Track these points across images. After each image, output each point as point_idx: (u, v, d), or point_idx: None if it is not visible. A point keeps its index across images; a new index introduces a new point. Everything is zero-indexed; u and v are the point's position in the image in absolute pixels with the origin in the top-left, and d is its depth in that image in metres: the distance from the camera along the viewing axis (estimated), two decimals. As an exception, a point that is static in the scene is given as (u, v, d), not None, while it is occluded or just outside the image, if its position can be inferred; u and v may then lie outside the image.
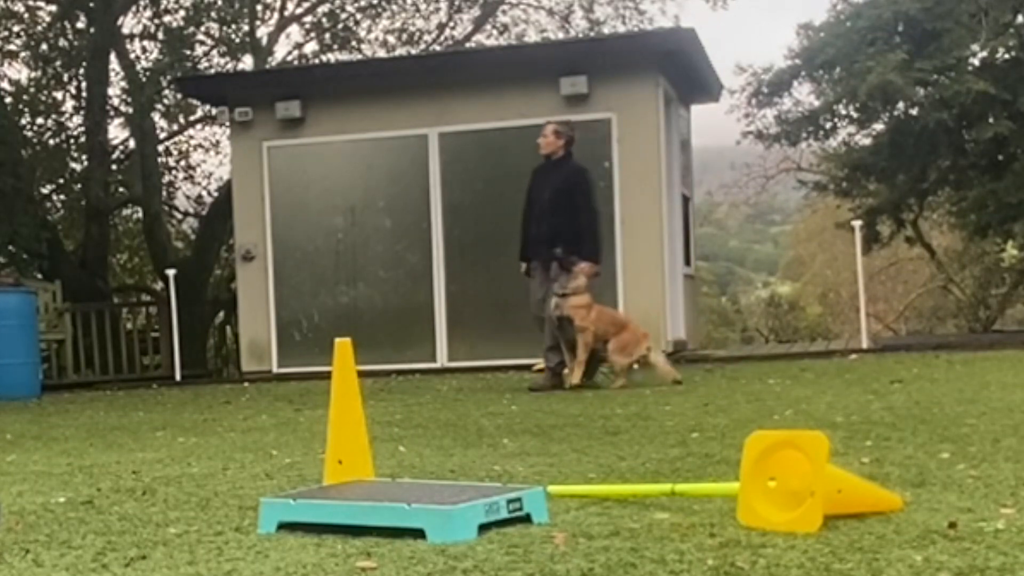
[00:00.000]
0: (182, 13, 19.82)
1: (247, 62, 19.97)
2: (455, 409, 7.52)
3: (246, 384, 11.86)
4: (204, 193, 22.12)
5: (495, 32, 21.62)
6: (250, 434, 6.61)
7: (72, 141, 20.11)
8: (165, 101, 20.29)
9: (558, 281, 8.90)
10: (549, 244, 9.02)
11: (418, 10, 21.40)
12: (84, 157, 19.75)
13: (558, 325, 8.87)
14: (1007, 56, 15.00)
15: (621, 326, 9.04)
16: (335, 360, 3.83)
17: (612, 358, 8.89)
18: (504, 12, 21.74)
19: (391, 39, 21.22)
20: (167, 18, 19.90)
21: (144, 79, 19.39)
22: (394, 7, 21.14)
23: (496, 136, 12.51)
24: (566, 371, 8.95)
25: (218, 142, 21.31)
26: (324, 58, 20.73)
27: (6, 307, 12.05)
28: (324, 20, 21.02)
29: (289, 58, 21.03)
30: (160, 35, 19.96)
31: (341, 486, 3.67)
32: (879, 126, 16.46)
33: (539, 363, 9.45)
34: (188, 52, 19.64)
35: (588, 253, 9.00)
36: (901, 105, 15.57)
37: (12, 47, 19.95)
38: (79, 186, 20.17)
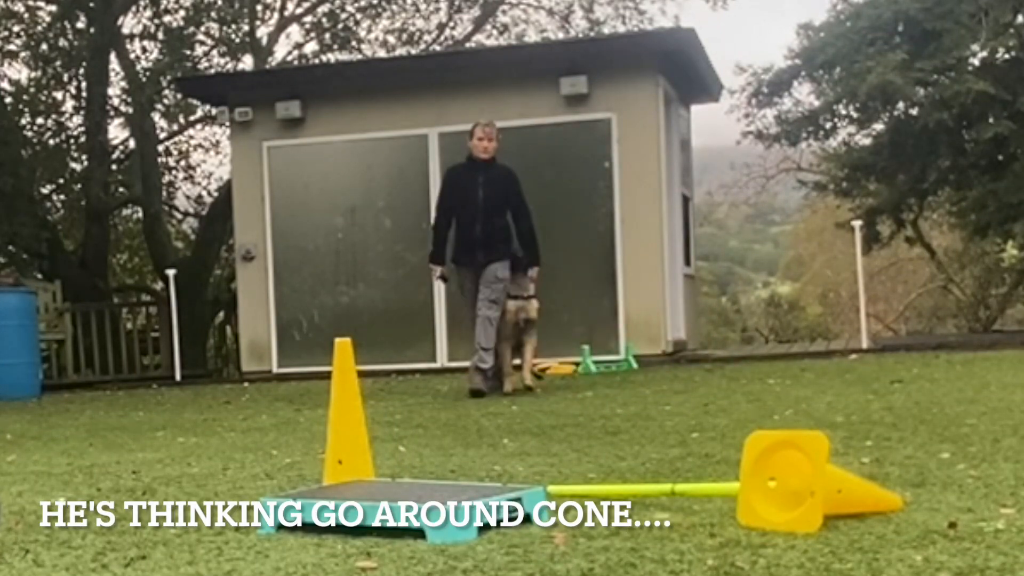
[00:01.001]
0: (182, 13, 19.83)
1: (247, 62, 19.99)
2: (455, 409, 7.52)
3: (246, 384, 11.86)
4: (204, 193, 22.14)
5: (495, 32, 21.64)
6: (250, 434, 6.61)
7: (72, 141, 20.11)
8: (165, 101, 20.29)
9: (516, 283, 8.78)
10: (485, 247, 8.72)
11: (418, 10, 21.41)
12: (84, 157, 19.75)
13: (524, 328, 8.80)
14: (1007, 56, 14.99)
15: None
16: (335, 360, 3.83)
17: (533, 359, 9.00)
18: (504, 12, 21.75)
19: (391, 39, 21.24)
20: (167, 18, 19.90)
21: (144, 79, 19.40)
22: (394, 7, 21.15)
23: (496, 136, 12.48)
24: (521, 371, 8.90)
25: (218, 142, 21.34)
26: (324, 58, 20.72)
27: (6, 307, 12.06)
28: (324, 20, 21.01)
29: (289, 58, 21.02)
30: (160, 35, 19.96)
31: (341, 486, 3.68)
32: (879, 126, 16.45)
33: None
34: (188, 52, 19.65)
35: (535, 255, 8.90)
36: (901, 105, 15.56)
37: (12, 47, 19.96)
38: (79, 186, 20.16)
